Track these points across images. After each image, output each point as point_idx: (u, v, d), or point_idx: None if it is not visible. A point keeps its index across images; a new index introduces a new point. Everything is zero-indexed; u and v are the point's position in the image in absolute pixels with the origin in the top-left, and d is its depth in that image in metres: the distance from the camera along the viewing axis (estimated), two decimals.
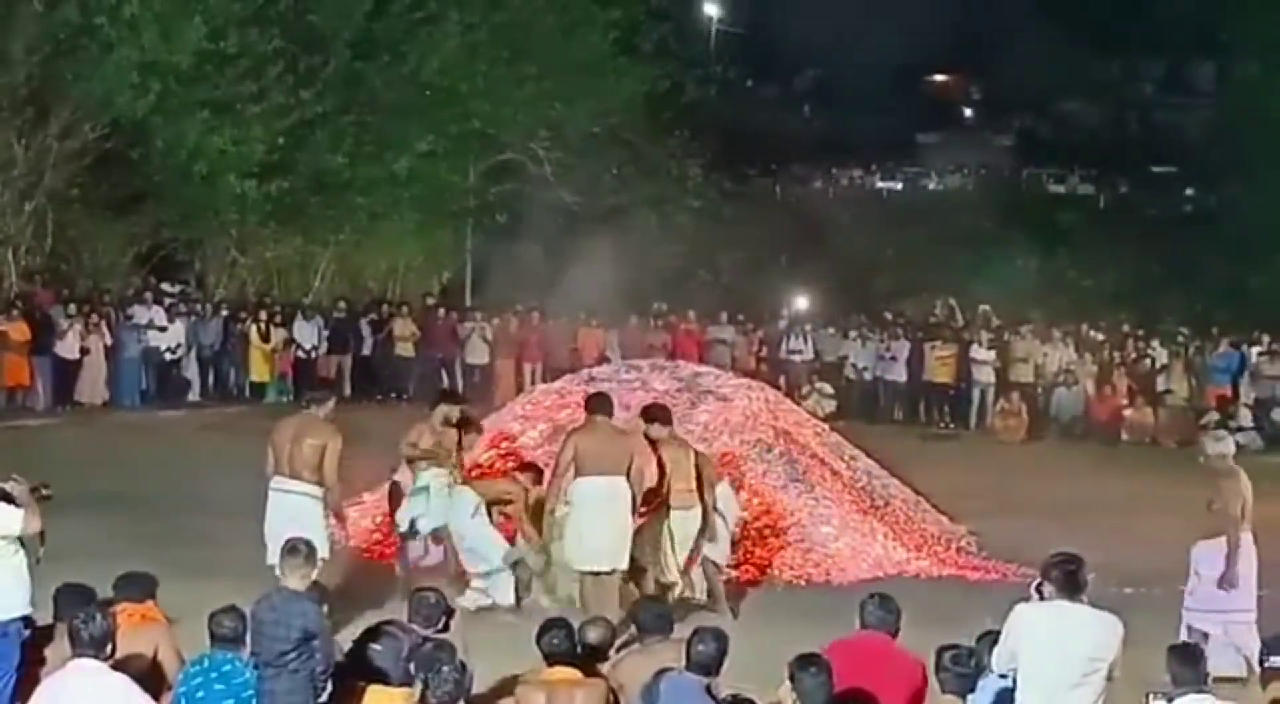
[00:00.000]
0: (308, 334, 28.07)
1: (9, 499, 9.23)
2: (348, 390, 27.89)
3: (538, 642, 8.83)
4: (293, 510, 11.92)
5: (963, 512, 17.87)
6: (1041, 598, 7.86)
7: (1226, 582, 11.68)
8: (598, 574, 12.55)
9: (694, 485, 13.27)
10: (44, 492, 9.67)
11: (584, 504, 12.60)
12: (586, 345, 28.44)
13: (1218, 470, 12.01)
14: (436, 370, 28.72)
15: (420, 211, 33.46)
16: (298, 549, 9.12)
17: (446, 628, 9.27)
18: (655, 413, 13.64)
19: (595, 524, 12.51)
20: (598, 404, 13.26)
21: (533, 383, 25.38)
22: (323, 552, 10.95)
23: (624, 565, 12.63)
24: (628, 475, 12.62)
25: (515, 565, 13.29)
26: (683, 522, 13.17)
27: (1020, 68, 62.71)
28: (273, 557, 10.22)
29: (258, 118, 29.08)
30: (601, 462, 12.60)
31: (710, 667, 8.02)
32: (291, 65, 29.49)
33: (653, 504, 13.17)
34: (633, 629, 9.46)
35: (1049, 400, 27.68)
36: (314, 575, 9.31)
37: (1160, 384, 27.76)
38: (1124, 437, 26.92)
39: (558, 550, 13.11)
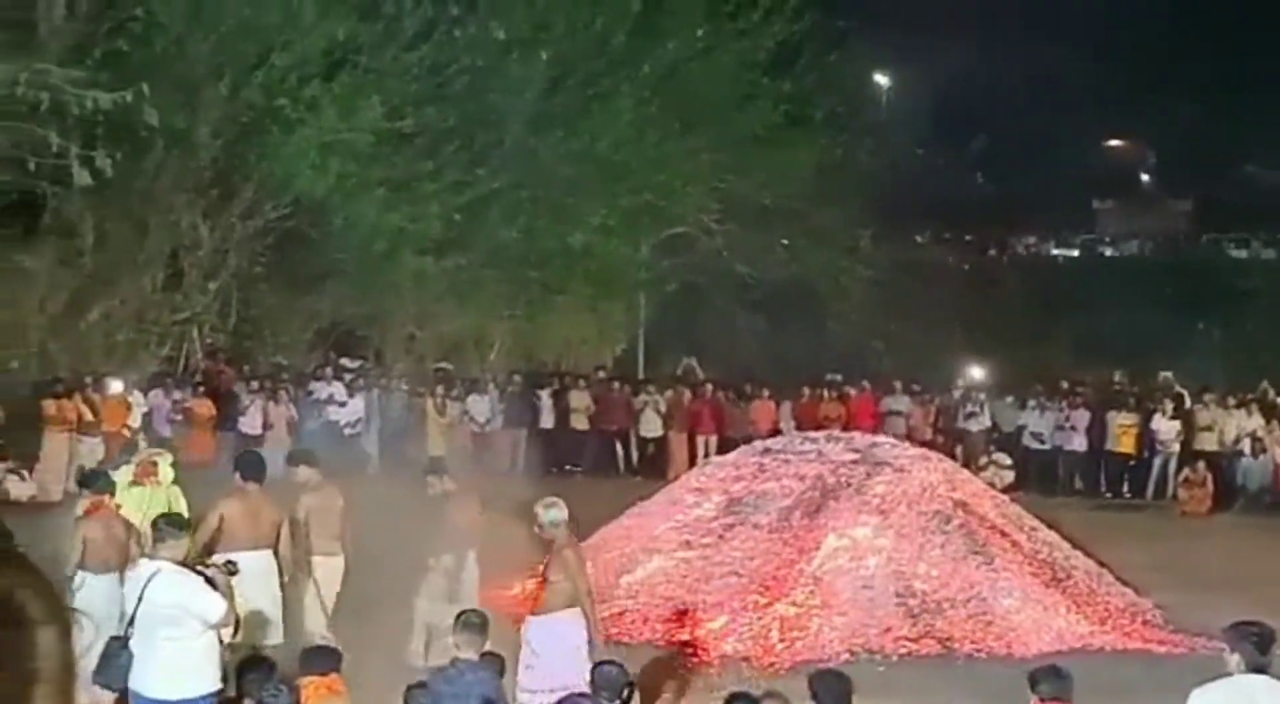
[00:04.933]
0: (482, 408, 28.33)
1: (211, 583, 9.53)
2: (524, 463, 28.10)
3: None
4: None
5: (1147, 584, 17.47)
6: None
7: (594, 652, 11.16)
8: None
9: (337, 533, 13.09)
10: (230, 566, 9.95)
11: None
12: (760, 417, 28.34)
13: (556, 540, 11.51)
14: (610, 443, 28.86)
15: (593, 285, 33.68)
16: (471, 621, 9.20)
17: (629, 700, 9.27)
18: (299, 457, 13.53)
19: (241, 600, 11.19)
20: (248, 469, 12.59)
21: (706, 455, 25.35)
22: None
23: (277, 641, 11.90)
24: (275, 548, 12.02)
25: None
26: (324, 568, 12.88)
27: (1198, 131, 61.71)
28: None
29: (434, 195, 29.46)
30: (247, 534, 11.94)
31: None
32: (467, 142, 29.91)
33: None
34: None
35: (1234, 470, 27.01)
36: (486, 644, 9.39)
37: None
38: None
39: None
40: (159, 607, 9.48)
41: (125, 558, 11.68)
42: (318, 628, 12.85)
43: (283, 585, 12.27)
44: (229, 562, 10.47)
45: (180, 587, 9.59)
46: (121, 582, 11.54)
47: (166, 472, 13.47)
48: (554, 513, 11.62)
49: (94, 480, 12.59)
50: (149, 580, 9.56)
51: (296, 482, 13.50)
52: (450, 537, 13.48)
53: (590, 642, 11.31)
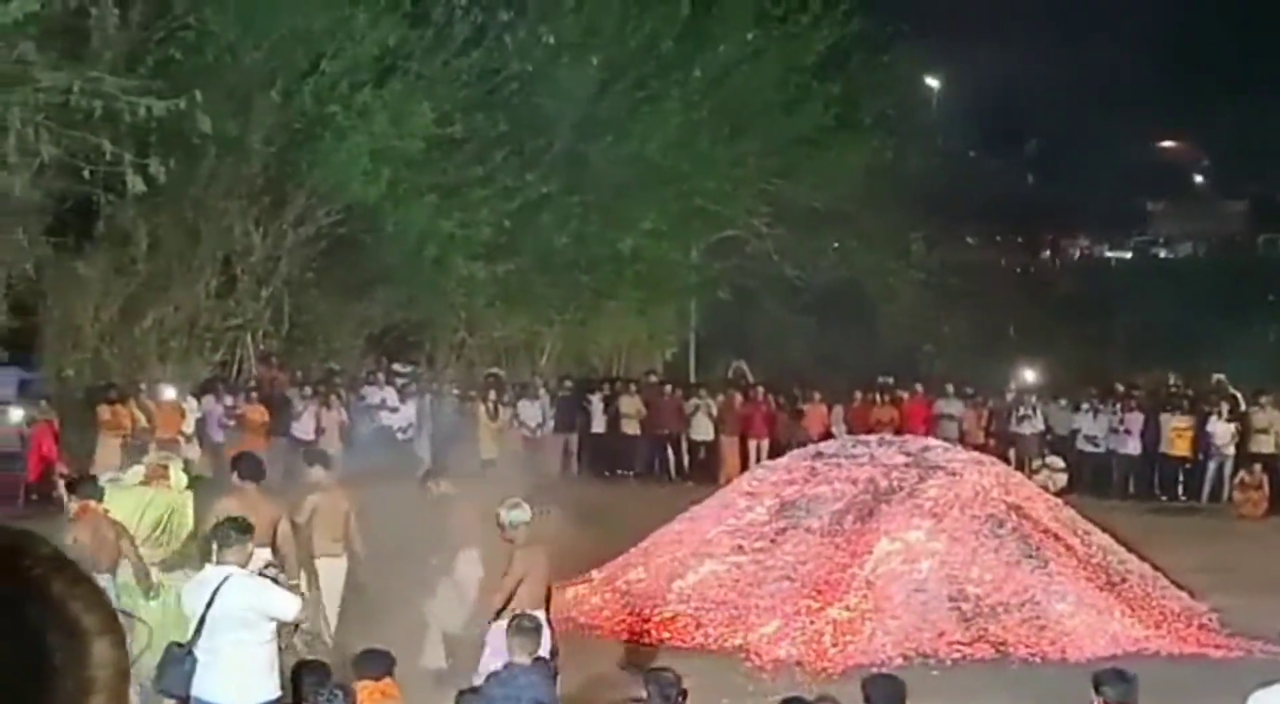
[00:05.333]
0: (533, 413, 28.36)
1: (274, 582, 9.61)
2: (575, 468, 28.19)
3: None
4: None
5: (1203, 588, 17.35)
6: None
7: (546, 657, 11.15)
8: None
9: (341, 534, 13.17)
10: (275, 567, 10.03)
11: None
12: (812, 421, 28.29)
13: (516, 541, 11.39)
14: (662, 447, 28.87)
15: (644, 289, 33.69)
16: (524, 626, 9.21)
17: None
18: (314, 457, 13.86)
19: None
20: (246, 469, 12.78)
21: (758, 459, 25.32)
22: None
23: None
24: (273, 545, 12.17)
25: None
26: (326, 568, 12.96)
27: (1253, 131, 61.22)
28: None
29: (485, 201, 29.50)
30: None
31: None
32: (517, 148, 29.94)
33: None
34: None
35: None
36: (540, 649, 9.40)
37: None
38: None
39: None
40: (234, 610, 9.52)
41: (114, 558, 11.89)
42: (325, 628, 12.91)
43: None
44: (271, 564, 10.55)
45: (254, 589, 9.65)
46: (115, 580, 11.71)
47: (179, 477, 13.63)
48: (515, 514, 11.53)
49: (81, 487, 12.76)
50: (220, 586, 9.58)
51: (308, 481, 13.63)
52: (447, 540, 13.49)
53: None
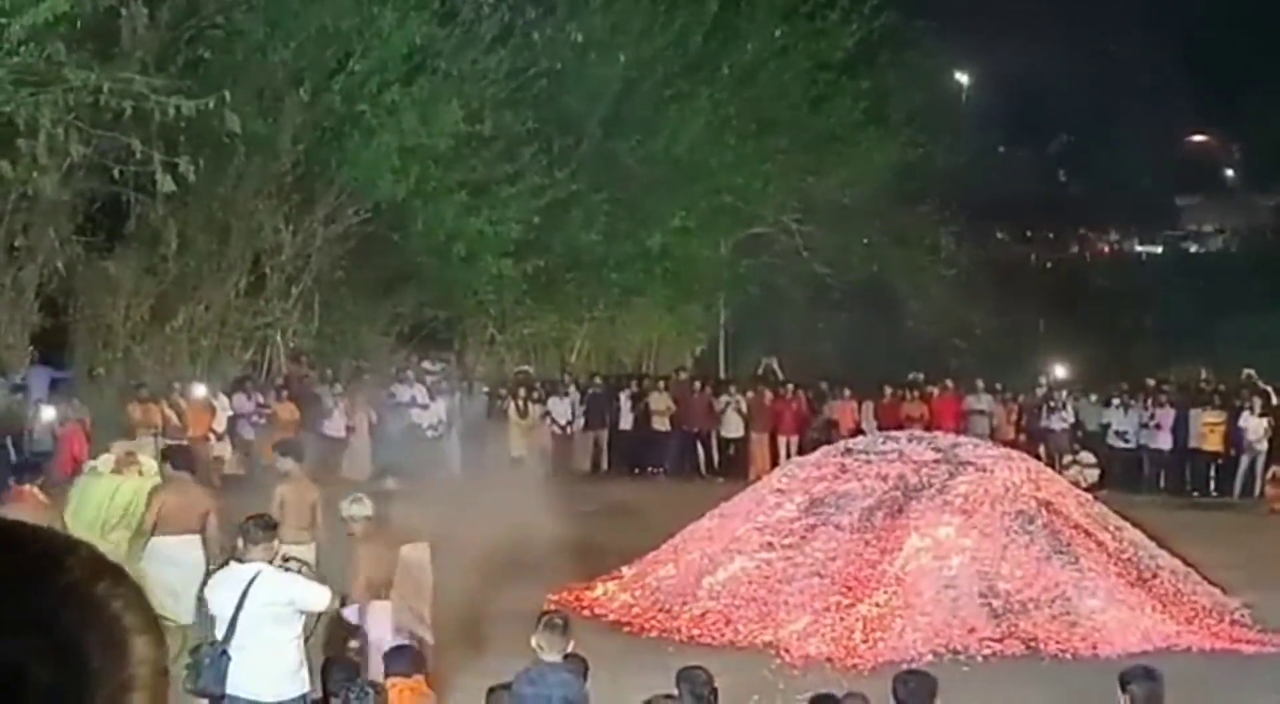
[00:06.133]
0: (563, 410, 28.39)
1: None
2: (605, 465, 28.21)
3: None
4: None
5: (1235, 583, 17.27)
6: None
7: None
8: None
9: (308, 523, 13.37)
10: (293, 561, 10.07)
11: (156, 563, 12.34)
12: (842, 417, 28.27)
13: (355, 534, 11.50)
14: (692, 444, 28.85)
15: (673, 286, 33.69)
16: (554, 623, 9.21)
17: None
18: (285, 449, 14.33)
19: (165, 582, 11.82)
20: (179, 460, 13.48)
21: (788, 456, 25.30)
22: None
23: (189, 620, 12.10)
24: (202, 532, 12.72)
25: None
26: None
27: None
28: None
29: (513, 198, 29.50)
30: (178, 520, 12.67)
31: None
32: (546, 146, 29.96)
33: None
34: None
35: None
36: (570, 647, 9.40)
37: None
38: None
39: None
40: (267, 605, 9.53)
41: None
42: None
43: (209, 567, 12.46)
44: (292, 557, 10.61)
45: (284, 584, 9.69)
46: None
47: (149, 464, 13.84)
48: (355, 508, 11.70)
49: (20, 471, 12.89)
50: (250, 582, 9.60)
51: (278, 471, 13.99)
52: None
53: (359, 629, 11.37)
